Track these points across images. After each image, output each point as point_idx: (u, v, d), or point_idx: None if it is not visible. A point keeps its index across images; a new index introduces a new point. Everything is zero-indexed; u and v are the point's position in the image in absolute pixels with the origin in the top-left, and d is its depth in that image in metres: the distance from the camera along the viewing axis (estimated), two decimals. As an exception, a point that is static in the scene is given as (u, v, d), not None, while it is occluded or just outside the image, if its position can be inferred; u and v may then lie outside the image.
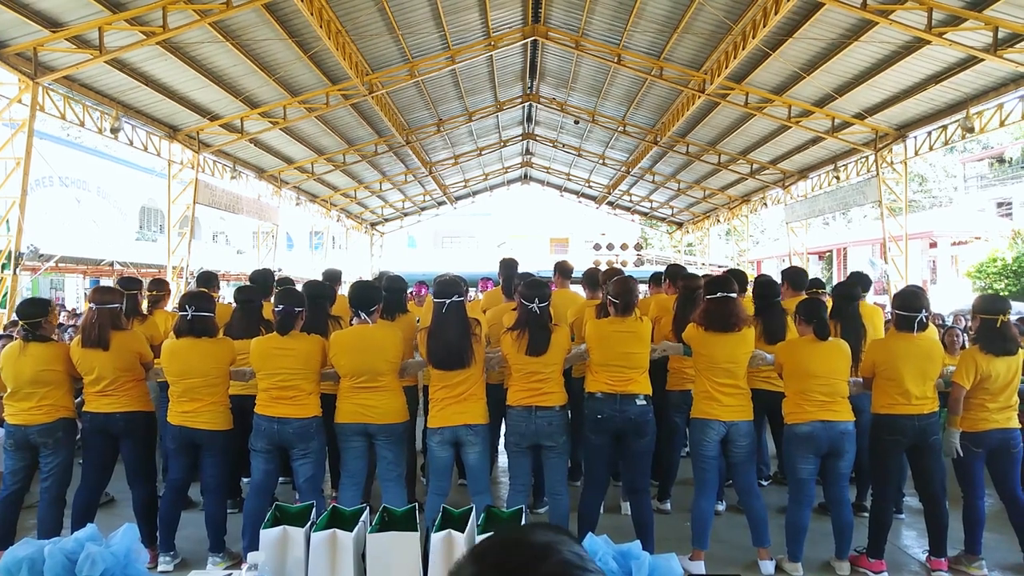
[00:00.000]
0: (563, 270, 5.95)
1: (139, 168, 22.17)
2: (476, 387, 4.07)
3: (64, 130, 20.26)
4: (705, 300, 4.25)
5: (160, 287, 5.90)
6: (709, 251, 25.95)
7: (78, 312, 11.98)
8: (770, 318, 4.86)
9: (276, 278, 6.00)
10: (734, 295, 4.17)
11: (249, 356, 4.18)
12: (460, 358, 3.96)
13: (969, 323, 6.97)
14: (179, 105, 11.72)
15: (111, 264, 15.70)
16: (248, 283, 5.69)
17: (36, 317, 4.14)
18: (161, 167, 14.05)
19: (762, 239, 36.29)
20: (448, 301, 4.02)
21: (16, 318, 4.56)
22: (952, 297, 17.85)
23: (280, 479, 4.59)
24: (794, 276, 5.79)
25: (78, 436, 4.69)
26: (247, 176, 16.43)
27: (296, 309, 4.11)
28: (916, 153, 13.09)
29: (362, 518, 3.44)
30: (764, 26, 9.22)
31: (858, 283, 5.27)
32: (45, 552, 2.33)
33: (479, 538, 3.25)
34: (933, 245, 24.51)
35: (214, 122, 12.73)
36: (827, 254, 28.96)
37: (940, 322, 8.14)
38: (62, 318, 10.26)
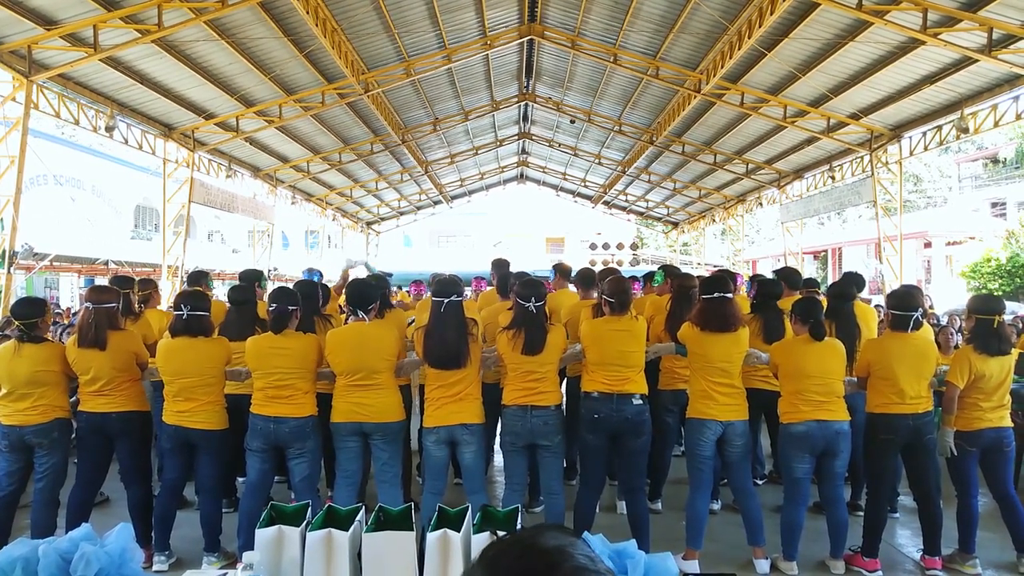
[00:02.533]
0: (562, 271, 5.97)
1: (134, 167, 22.11)
2: (472, 387, 4.07)
3: (59, 128, 20.19)
4: (702, 300, 4.26)
5: (147, 286, 5.86)
6: (705, 251, 26.00)
7: (73, 311, 11.93)
8: (769, 317, 4.88)
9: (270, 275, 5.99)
10: (731, 295, 4.18)
11: (244, 356, 4.17)
12: (457, 358, 3.96)
13: (963, 323, 6.99)
14: (174, 103, 11.69)
15: (106, 263, 15.64)
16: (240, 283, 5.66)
17: (32, 318, 4.11)
18: (156, 166, 14.03)
19: (757, 239, 36.35)
20: (446, 300, 4.02)
21: (10, 318, 4.53)
22: (947, 297, 17.90)
23: (275, 478, 4.58)
24: (788, 276, 5.81)
25: (73, 436, 4.67)
26: (242, 175, 16.39)
27: (290, 308, 4.10)
28: (911, 153, 13.13)
29: (358, 518, 3.44)
30: (760, 26, 9.23)
31: (853, 283, 5.28)
32: (39, 552, 2.32)
33: (475, 537, 3.24)
34: (928, 245, 24.56)
35: (209, 121, 12.70)
36: (822, 254, 29.02)
37: (935, 321, 8.16)
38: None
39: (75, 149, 21.38)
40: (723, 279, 4.31)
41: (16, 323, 4.14)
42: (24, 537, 3.08)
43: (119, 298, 4.46)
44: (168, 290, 12.11)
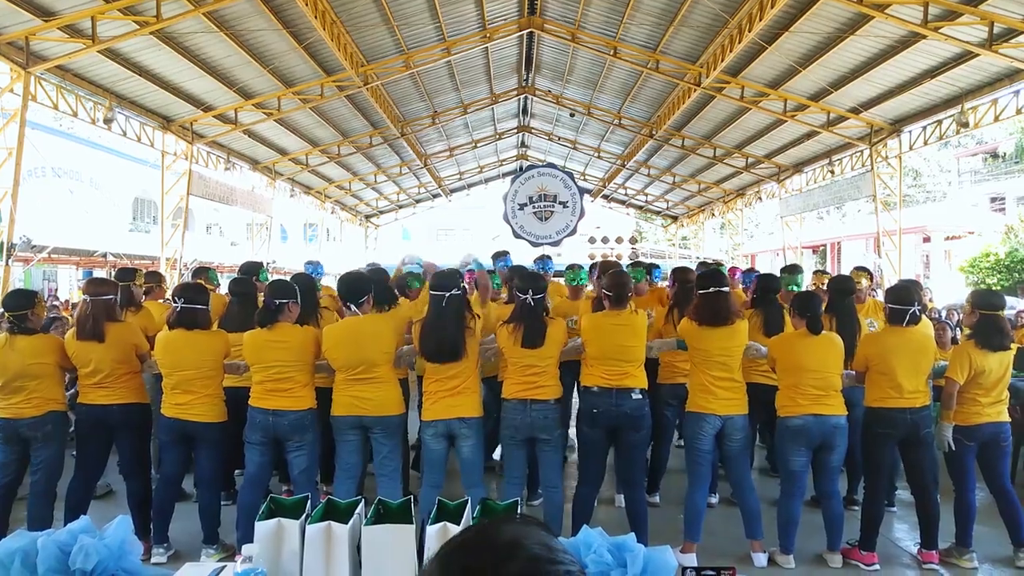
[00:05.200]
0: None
1: (132, 159, 22.04)
2: (470, 381, 4.07)
3: (57, 120, 20.08)
4: (697, 295, 4.26)
5: (152, 278, 5.88)
6: (704, 245, 26.00)
7: (71, 303, 11.91)
8: (770, 311, 4.90)
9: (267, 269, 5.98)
10: (726, 289, 4.19)
11: (242, 349, 4.16)
12: (454, 351, 3.96)
13: (961, 317, 7.00)
14: (173, 96, 11.65)
15: (104, 255, 15.63)
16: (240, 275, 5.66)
17: (22, 309, 4.09)
18: (154, 158, 13.97)
19: (757, 233, 36.33)
20: (447, 294, 4.01)
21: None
22: (945, 292, 17.92)
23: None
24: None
25: (71, 428, 4.68)
26: (241, 167, 16.36)
27: (278, 302, 4.09)
28: (911, 148, 13.11)
29: (357, 511, 3.44)
30: (760, 20, 9.20)
31: (851, 280, 5.27)
32: (38, 544, 2.31)
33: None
34: (927, 240, 24.55)
35: (208, 113, 12.67)
36: (821, 248, 29.03)
37: (936, 316, 8.16)
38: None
39: (73, 141, 21.32)
40: (718, 273, 4.33)
41: (7, 315, 4.12)
42: (22, 529, 3.08)
43: (117, 290, 4.45)
44: (170, 282, 12.09)
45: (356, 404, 4.03)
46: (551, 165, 13.64)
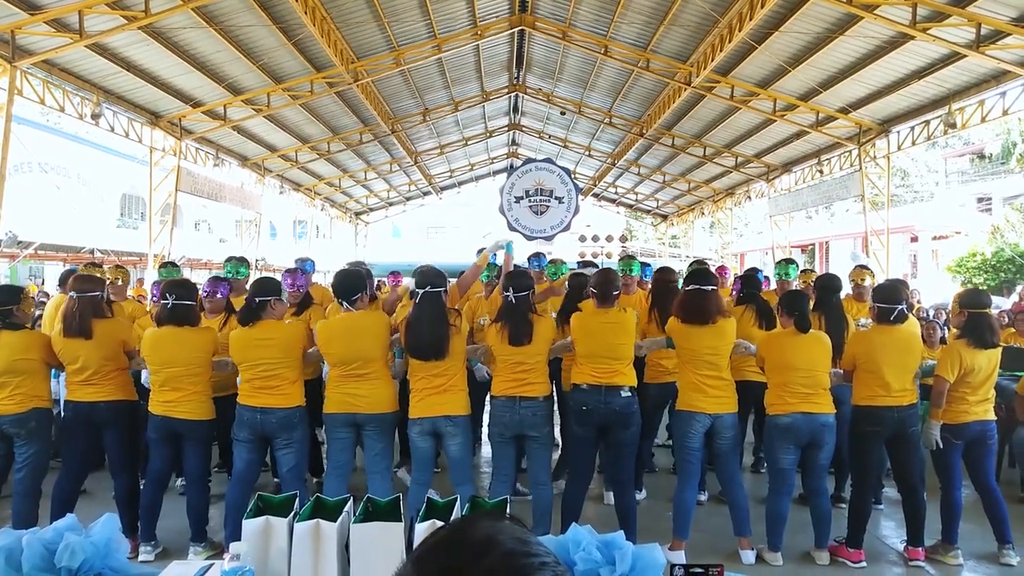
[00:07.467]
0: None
1: (120, 155, 21.88)
2: (456, 379, 4.07)
3: (43, 115, 19.89)
4: (682, 292, 4.31)
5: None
6: (693, 244, 26.08)
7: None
8: (761, 304, 5.04)
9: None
10: (708, 288, 4.21)
11: (229, 348, 4.14)
12: (438, 349, 3.96)
13: (948, 317, 7.04)
14: (161, 91, 11.56)
15: (91, 251, 15.51)
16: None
17: (7, 305, 4.04)
18: (143, 154, 13.88)
19: (746, 232, 36.46)
20: (424, 291, 4.01)
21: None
22: (933, 291, 18.05)
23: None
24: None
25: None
26: (230, 164, 16.26)
27: (258, 299, 4.06)
28: (899, 148, 13.19)
29: (346, 508, 3.43)
30: (750, 19, 9.23)
31: (835, 278, 5.33)
32: (23, 542, 2.29)
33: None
34: (914, 239, 24.71)
35: (197, 109, 12.57)
36: (810, 247, 29.16)
37: (924, 316, 8.21)
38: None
39: (60, 136, 21.14)
40: (703, 272, 4.38)
41: None
42: (7, 528, 3.04)
43: (104, 287, 4.42)
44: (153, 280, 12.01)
45: (349, 401, 4.02)
46: (549, 160, 13.67)
